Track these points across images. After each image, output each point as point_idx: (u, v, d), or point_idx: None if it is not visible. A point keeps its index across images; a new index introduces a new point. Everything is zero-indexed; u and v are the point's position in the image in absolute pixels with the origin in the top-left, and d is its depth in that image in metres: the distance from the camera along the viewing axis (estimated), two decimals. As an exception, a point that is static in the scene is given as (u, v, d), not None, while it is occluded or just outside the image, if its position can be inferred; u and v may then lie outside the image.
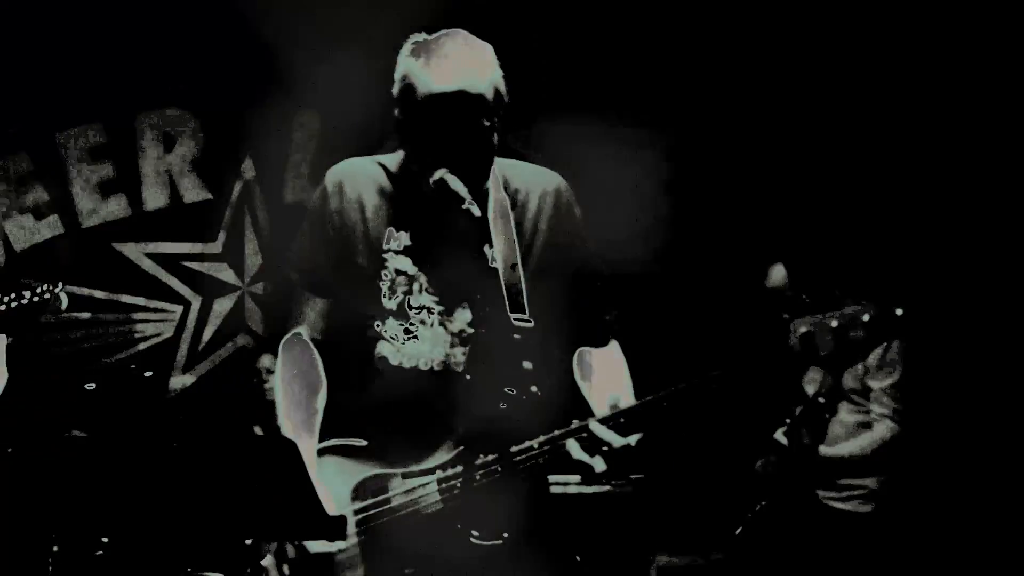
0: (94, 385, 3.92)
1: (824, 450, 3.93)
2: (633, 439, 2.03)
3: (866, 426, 4.03)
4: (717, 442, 4.60)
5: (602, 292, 2.36)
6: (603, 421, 2.02)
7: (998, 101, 4.62)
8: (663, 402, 2.02)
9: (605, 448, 2.00)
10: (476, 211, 2.05)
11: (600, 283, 2.36)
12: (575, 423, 2.05)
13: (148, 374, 4.24)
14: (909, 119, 4.87)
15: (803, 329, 1.81)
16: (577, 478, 4.69)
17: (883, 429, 4.03)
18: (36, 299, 3.76)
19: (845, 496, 4.09)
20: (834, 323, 1.78)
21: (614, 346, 2.37)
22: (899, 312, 1.71)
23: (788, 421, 3.91)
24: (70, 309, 5.18)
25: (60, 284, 3.79)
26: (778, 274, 4.24)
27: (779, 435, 3.88)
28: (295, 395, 2.23)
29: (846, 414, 4.03)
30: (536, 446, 2.04)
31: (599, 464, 2.01)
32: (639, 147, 5.28)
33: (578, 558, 4.56)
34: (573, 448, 2.01)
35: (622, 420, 2.02)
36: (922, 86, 4.84)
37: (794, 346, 1.83)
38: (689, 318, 5.00)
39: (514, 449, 2.04)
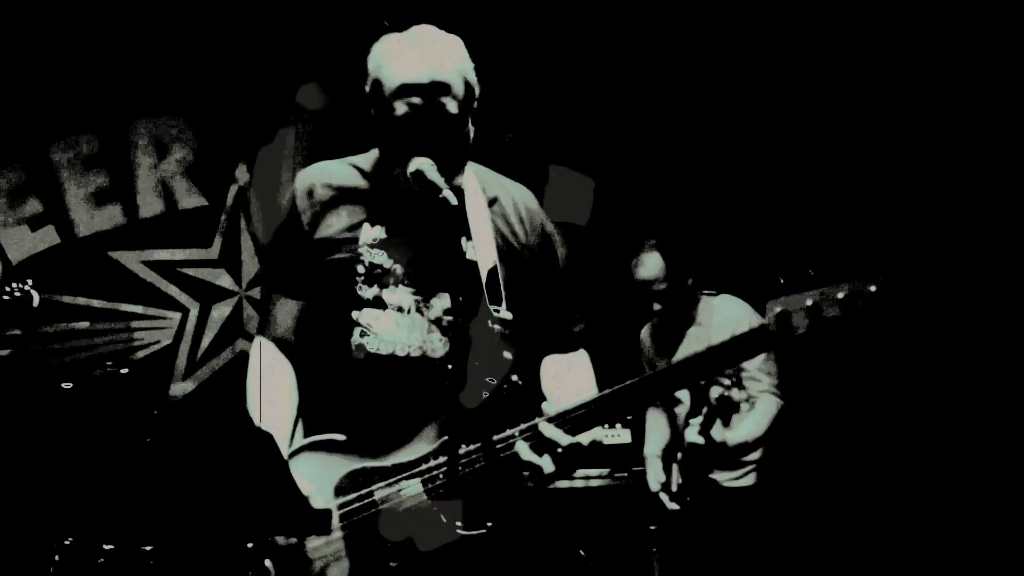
0: (71, 384, 3.91)
1: (731, 439, 3.94)
2: (585, 438, 2.03)
3: (749, 405, 4.07)
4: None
5: (570, 304, 2.38)
6: (551, 420, 2.02)
7: (943, 81, 4.67)
8: (607, 401, 2.02)
9: (559, 449, 2.01)
10: (453, 199, 2.07)
11: (568, 295, 2.38)
12: (523, 425, 2.05)
13: (124, 371, 4.24)
14: (862, 107, 4.92)
15: (777, 309, 1.81)
16: (603, 471, 4.72)
17: (769, 405, 4.07)
18: (5, 297, 3.75)
19: (742, 474, 4.14)
20: (808, 302, 1.78)
21: (582, 355, 2.38)
22: (872, 289, 1.71)
23: (693, 421, 3.93)
24: (68, 319, 5.27)
25: (28, 281, 3.78)
26: (654, 264, 4.19)
27: (692, 436, 3.86)
28: (267, 399, 2.25)
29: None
30: (516, 434, 2.04)
31: (547, 464, 2.01)
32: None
33: (582, 552, 4.56)
34: (522, 449, 2.01)
35: (570, 419, 2.02)
36: (871, 63, 4.88)
37: (769, 326, 1.83)
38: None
39: (496, 438, 2.04)
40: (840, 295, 1.73)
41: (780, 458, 4.24)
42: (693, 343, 4.24)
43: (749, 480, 4.20)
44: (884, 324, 1.73)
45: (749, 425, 4.03)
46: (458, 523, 2.05)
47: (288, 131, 5.59)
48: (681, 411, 4.29)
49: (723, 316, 4.18)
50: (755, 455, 4.17)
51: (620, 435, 4.88)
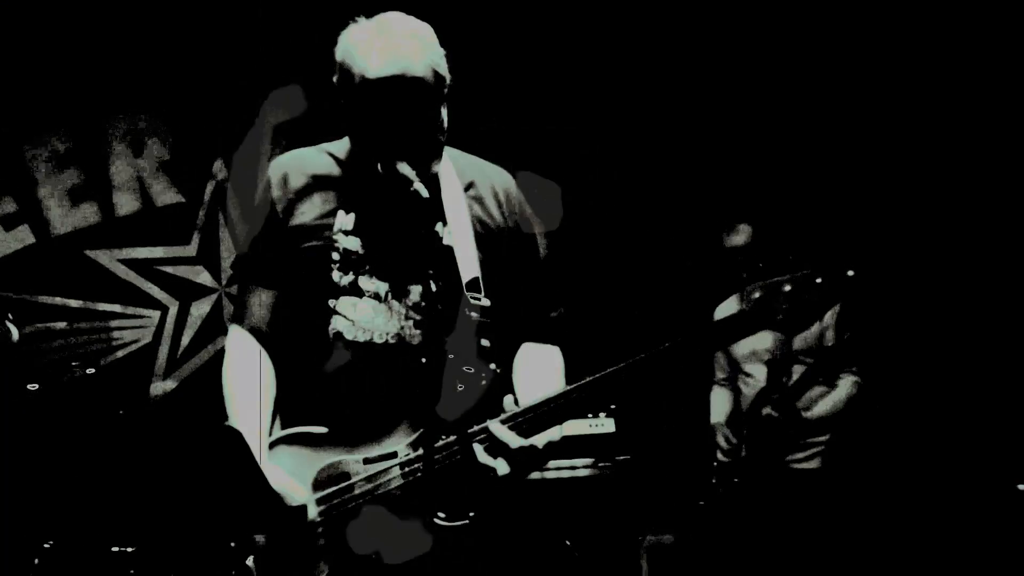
0: (37, 386, 3.87)
1: (806, 414, 4.01)
2: (540, 440, 2.01)
3: (829, 385, 4.10)
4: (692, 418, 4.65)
5: (548, 288, 2.36)
6: (505, 422, 2.01)
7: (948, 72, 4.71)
8: (558, 401, 2.01)
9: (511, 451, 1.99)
10: (424, 192, 2.05)
11: (546, 280, 2.36)
12: (477, 427, 2.03)
13: (90, 371, 4.19)
14: (866, 94, 4.94)
15: (756, 294, 1.80)
16: (587, 461, 4.71)
17: (849, 384, 4.11)
18: None
19: (809, 455, 4.16)
20: (787, 287, 1.77)
21: (555, 350, 2.35)
22: (850, 274, 1.70)
23: (775, 395, 3.96)
24: (45, 319, 5.21)
25: (8, 315, 3.73)
26: (744, 232, 4.23)
27: (768, 410, 3.92)
28: (243, 391, 2.22)
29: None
30: (468, 435, 2.02)
31: (502, 467, 2.00)
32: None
33: (568, 542, 4.55)
34: (478, 451, 2.00)
35: (523, 420, 2.01)
36: (882, 57, 4.91)
37: (748, 310, 1.82)
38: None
39: (472, 430, 2.02)
40: (818, 279, 1.73)
41: (850, 442, 4.23)
42: None
43: (815, 463, 4.17)
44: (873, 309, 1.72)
45: (824, 403, 4.08)
46: (440, 514, 2.03)
47: (265, 124, 5.54)
48: (747, 389, 4.29)
49: None
50: (825, 436, 4.17)
51: (604, 424, 4.87)
